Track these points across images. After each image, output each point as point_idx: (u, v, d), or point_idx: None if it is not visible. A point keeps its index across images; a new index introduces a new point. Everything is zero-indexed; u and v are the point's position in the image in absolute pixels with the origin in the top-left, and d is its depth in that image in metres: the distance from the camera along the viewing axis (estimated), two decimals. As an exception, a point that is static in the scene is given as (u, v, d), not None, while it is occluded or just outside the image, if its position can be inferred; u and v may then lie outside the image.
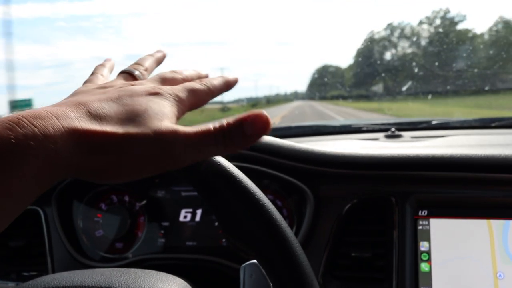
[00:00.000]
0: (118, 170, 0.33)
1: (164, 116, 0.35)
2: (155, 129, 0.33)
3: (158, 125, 0.34)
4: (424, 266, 0.70)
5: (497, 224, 0.69)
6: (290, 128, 1.44)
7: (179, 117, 0.39)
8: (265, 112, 0.35)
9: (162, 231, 0.87)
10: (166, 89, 0.39)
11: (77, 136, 0.30)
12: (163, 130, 0.33)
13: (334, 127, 1.41)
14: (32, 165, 0.28)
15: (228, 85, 0.46)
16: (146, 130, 0.33)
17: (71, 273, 0.48)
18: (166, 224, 0.87)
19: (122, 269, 0.49)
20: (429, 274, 0.69)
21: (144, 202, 0.89)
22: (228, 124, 0.35)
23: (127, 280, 0.45)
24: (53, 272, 0.86)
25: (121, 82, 0.42)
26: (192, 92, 0.40)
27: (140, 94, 0.37)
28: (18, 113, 0.28)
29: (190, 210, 0.86)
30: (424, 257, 0.70)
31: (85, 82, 0.44)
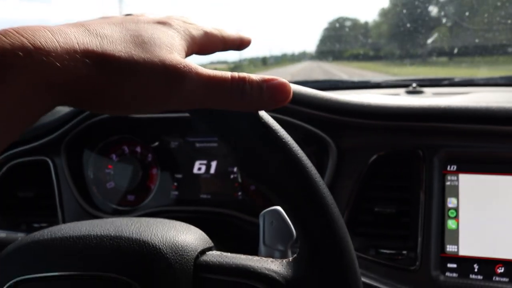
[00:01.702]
0: (116, 97, 0.28)
1: (173, 47, 0.31)
2: (164, 59, 0.29)
3: (167, 56, 0.29)
4: (451, 223, 0.66)
5: (532, 180, 0.65)
6: (306, 82, 1.40)
7: (188, 54, 0.34)
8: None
9: (175, 183, 0.84)
10: (177, 21, 0.34)
11: (72, 51, 0.26)
12: (173, 61, 0.29)
13: (353, 82, 1.37)
14: (20, 78, 0.24)
15: (242, 43, 0.41)
16: (153, 58, 0.29)
17: (79, 223, 0.46)
18: (179, 176, 0.84)
19: (134, 218, 0.46)
20: (456, 231, 0.66)
21: (157, 143, 0.85)
22: (250, 79, 0.31)
23: (139, 228, 0.42)
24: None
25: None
26: (205, 33, 0.36)
27: (146, 21, 0.32)
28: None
29: (205, 162, 0.83)
30: (451, 214, 0.67)
31: None
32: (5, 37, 0.23)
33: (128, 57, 0.28)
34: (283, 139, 0.34)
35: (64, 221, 0.85)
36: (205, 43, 0.36)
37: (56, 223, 0.85)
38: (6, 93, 0.23)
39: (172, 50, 0.30)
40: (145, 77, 0.28)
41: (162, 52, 0.30)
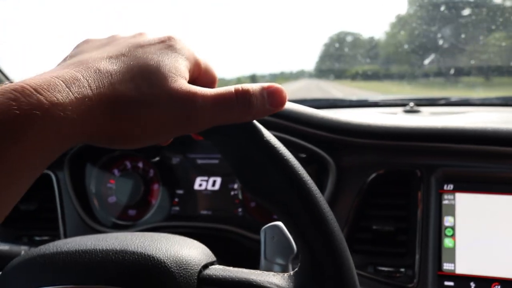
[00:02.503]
0: (132, 134, 0.30)
1: (177, 73, 0.32)
2: (170, 90, 0.31)
3: (173, 86, 0.31)
4: (448, 242, 0.67)
5: (527, 200, 0.66)
6: (304, 101, 1.41)
7: (191, 74, 0.35)
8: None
9: (176, 199, 0.85)
10: (181, 41, 0.36)
11: (87, 100, 0.27)
12: (178, 92, 0.31)
13: (351, 101, 1.38)
14: (39, 136, 0.25)
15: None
16: (161, 92, 0.30)
17: (84, 238, 0.46)
18: (180, 192, 0.85)
19: (137, 233, 0.46)
20: (453, 250, 0.67)
21: (157, 158, 0.86)
22: (253, 90, 0.33)
23: (143, 243, 0.43)
24: (65, 237, 0.85)
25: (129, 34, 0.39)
26: (206, 61, 0.38)
27: (152, 42, 0.34)
28: (21, 81, 0.26)
29: (206, 178, 0.84)
30: (448, 232, 0.68)
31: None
32: (22, 96, 0.24)
33: (138, 95, 0.30)
34: (285, 156, 0.36)
35: (65, 234, 0.85)
36: (206, 69, 0.37)
37: (57, 236, 0.86)
38: (27, 149, 0.25)
39: (176, 76, 0.32)
40: (154, 112, 0.30)
41: (168, 82, 0.31)
